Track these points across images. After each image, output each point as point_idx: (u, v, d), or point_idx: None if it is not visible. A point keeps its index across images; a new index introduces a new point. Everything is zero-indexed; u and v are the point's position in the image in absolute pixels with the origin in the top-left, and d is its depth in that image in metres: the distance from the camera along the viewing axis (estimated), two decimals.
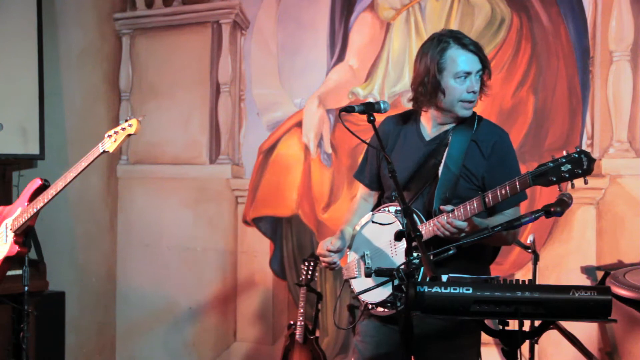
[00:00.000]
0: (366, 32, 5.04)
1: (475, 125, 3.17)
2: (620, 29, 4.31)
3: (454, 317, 2.91)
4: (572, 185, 2.74)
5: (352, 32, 5.10)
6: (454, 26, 4.69)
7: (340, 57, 5.13)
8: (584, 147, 4.38)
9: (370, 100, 3.18)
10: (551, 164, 2.76)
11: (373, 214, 3.25)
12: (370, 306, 3.19)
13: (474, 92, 3.10)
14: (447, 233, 2.93)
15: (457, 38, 3.12)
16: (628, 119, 4.29)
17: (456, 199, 3.04)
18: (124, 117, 4.32)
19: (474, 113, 3.21)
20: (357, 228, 3.29)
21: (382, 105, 3.07)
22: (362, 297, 3.21)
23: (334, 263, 3.24)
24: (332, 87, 5.15)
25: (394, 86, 4.89)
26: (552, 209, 2.85)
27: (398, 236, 2.92)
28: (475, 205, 2.90)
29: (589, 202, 4.34)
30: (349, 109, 3.04)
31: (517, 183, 2.82)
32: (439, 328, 2.98)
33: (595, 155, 4.35)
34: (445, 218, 2.94)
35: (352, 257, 3.29)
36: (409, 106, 3.28)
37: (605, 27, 4.34)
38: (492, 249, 3.26)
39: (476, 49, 3.11)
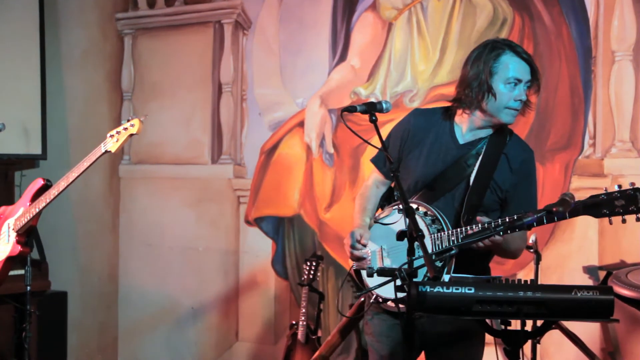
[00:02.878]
0: (368, 32, 5.05)
1: (507, 140, 3.19)
2: (622, 28, 4.31)
3: (457, 317, 2.93)
4: (623, 221, 2.78)
5: (354, 31, 5.10)
6: (455, 25, 4.70)
7: (342, 57, 5.14)
8: (586, 148, 4.38)
9: (372, 100, 3.18)
10: (604, 197, 2.79)
11: (394, 208, 3.24)
12: (380, 299, 3.18)
13: (521, 100, 3.11)
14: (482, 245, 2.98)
15: (512, 46, 3.14)
16: (630, 118, 4.29)
17: (480, 209, 3.07)
18: (126, 117, 4.32)
19: (508, 128, 3.22)
20: (378, 219, 3.29)
21: (384, 105, 3.06)
22: (375, 291, 3.20)
23: (364, 258, 3.21)
24: (334, 87, 5.16)
25: (395, 86, 4.89)
26: (554, 209, 2.86)
27: (400, 236, 2.92)
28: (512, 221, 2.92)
29: None
30: (351, 109, 3.04)
31: (561, 208, 2.79)
32: (444, 327, 3.01)
33: (597, 155, 4.36)
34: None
35: (367, 248, 3.25)
36: (411, 106, 3.30)
37: (608, 27, 4.35)
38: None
39: (530, 59, 3.12)
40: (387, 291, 3.14)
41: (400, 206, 3.13)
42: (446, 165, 3.14)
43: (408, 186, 3.23)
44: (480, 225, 2.95)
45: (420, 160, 3.22)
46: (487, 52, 3.14)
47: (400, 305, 3.06)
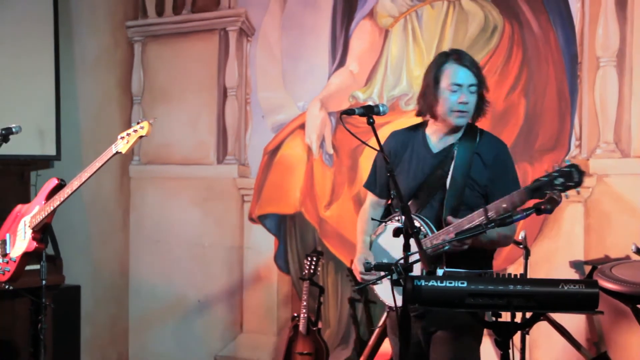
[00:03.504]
0: (366, 39, 5.05)
1: (477, 139, 3.23)
2: (606, 36, 4.31)
3: (450, 310, 2.93)
4: (566, 196, 2.77)
5: (352, 38, 5.11)
6: (448, 32, 4.70)
7: (341, 63, 5.14)
8: (572, 149, 4.38)
9: (370, 103, 3.18)
10: (545, 179, 2.80)
11: (386, 224, 3.28)
12: (389, 309, 3.25)
13: (465, 103, 3.16)
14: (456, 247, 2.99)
15: (455, 55, 3.21)
16: (614, 121, 4.29)
17: (463, 206, 3.10)
18: (136, 120, 4.32)
19: (477, 127, 3.26)
20: (374, 237, 3.32)
21: (381, 108, 3.09)
22: (385, 302, 3.24)
23: (370, 280, 3.20)
24: (334, 91, 5.16)
25: (392, 90, 4.89)
26: (542, 207, 2.86)
27: (396, 233, 2.93)
28: (478, 219, 2.95)
29: (577, 200, 4.34)
30: (349, 112, 3.06)
31: (516, 198, 2.88)
32: (440, 322, 3.03)
33: (583, 155, 4.36)
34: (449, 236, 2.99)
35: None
36: (407, 109, 3.31)
37: (593, 34, 4.35)
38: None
39: (470, 65, 3.18)
40: (390, 301, 3.18)
41: (390, 221, 3.22)
42: (425, 175, 3.19)
43: (405, 197, 3.25)
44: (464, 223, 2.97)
45: (403, 175, 3.26)
46: (434, 63, 3.26)
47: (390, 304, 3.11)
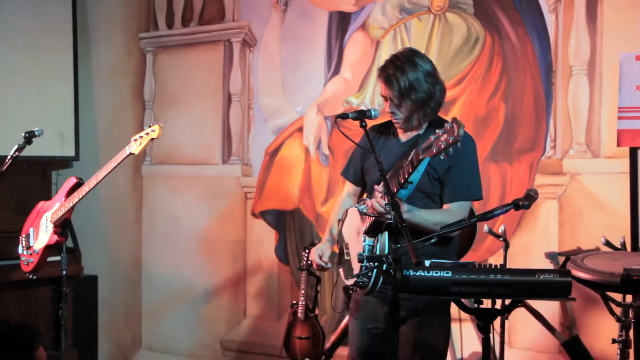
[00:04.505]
0: (359, 49, 5.05)
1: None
2: (578, 46, 4.32)
3: (436, 297, 2.93)
4: (448, 153, 2.72)
5: (346, 48, 5.11)
6: (434, 43, 4.71)
7: (336, 71, 5.14)
8: (547, 150, 4.39)
9: (363, 108, 3.18)
10: (433, 137, 2.75)
11: (358, 203, 3.27)
12: (352, 289, 3.20)
13: (391, 112, 3.17)
14: (379, 210, 2.93)
15: (384, 67, 3.18)
16: (585, 124, 4.30)
17: (421, 193, 3.06)
18: (148, 124, 4.33)
19: (444, 120, 3.20)
20: (340, 225, 3.32)
21: (372, 113, 3.09)
22: (344, 281, 3.24)
23: (327, 269, 3.31)
24: (329, 96, 5.16)
25: None
26: (520, 203, 2.87)
27: (388, 226, 2.93)
28: (393, 185, 2.92)
29: (552, 197, 4.35)
30: (344, 116, 3.07)
31: (412, 156, 2.84)
32: (410, 308, 2.97)
33: (557, 156, 4.37)
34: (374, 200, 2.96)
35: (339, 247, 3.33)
36: None
37: (566, 45, 4.36)
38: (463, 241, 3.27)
39: (385, 80, 3.14)
40: (349, 280, 3.18)
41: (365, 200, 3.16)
42: (392, 163, 3.14)
43: (371, 185, 3.26)
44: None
45: (374, 160, 3.21)
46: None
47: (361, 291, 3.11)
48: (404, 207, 2.97)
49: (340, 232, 3.32)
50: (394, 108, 3.16)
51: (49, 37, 5.96)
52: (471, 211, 3.33)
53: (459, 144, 2.70)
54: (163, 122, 4.32)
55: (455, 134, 2.67)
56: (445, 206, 3.14)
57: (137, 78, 6.02)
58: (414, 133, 3.22)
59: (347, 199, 3.43)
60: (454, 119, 2.71)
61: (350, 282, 3.14)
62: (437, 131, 2.75)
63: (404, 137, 3.25)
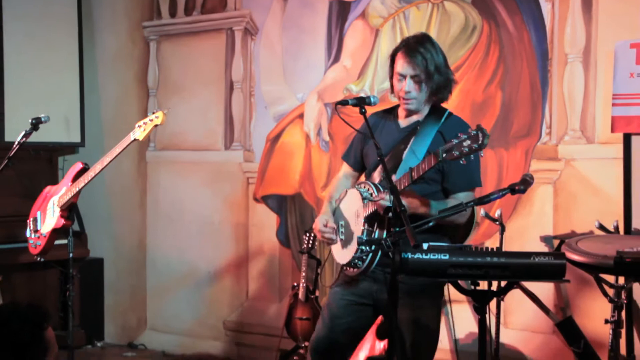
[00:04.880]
0: (358, 37, 5.04)
1: (443, 119, 3.16)
2: (574, 35, 4.31)
3: (429, 279, 2.93)
4: (469, 159, 2.73)
5: (346, 37, 5.10)
6: (433, 31, 4.69)
7: (336, 58, 5.13)
8: (543, 136, 4.39)
9: (362, 95, 3.18)
10: (455, 141, 2.76)
11: (347, 190, 3.26)
12: (344, 268, 3.20)
13: (406, 91, 3.12)
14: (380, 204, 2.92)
15: (408, 44, 3.15)
16: (580, 111, 4.30)
17: (420, 180, 3.02)
18: (152, 110, 4.33)
19: (444, 108, 3.21)
20: (337, 202, 3.31)
21: (372, 99, 3.08)
22: (336, 259, 3.23)
23: (332, 239, 3.24)
24: (329, 84, 5.15)
25: (382, 83, 4.88)
26: (516, 187, 2.87)
27: (386, 210, 2.93)
28: (405, 179, 2.92)
29: (547, 182, 4.36)
30: (344, 103, 3.06)
31: (432, 156, 2.84)
32: (404, 290, 2.93)
33: (552, 142, 4.37)
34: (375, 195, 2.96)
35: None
36: (395, 100, 3.28)
37: (562, 33, 4.35)
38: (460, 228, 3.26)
39: (415, 59, 3.10)
40: (342, 259, 3.18)
41: (368, 184, 3.16)
42: (390, 148, 3.14)
43: (370, 170, 3.26)
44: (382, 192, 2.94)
45: (373, 146, 3.19)
46: (395, 48, 3.22)
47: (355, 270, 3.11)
48: (422, 204, 2.99)
49: (334, 212, 3.31)
50: (412, 87, 3.12)
51: (54, 26, 5.96)
52: None
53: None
54: (167, 109, 4.32)
55: (480, 142, 2.71)
56: (451, 196, 3.14)
57: (141, 66, 6.01)
58: (414, 119, 3.22)
59: (344, 180, 3.43)
60: (479, 127, 2.73)
61: (344, 261, 3.14)
62: (460, 135, 2.77)
63: (404, 122, 3.25)
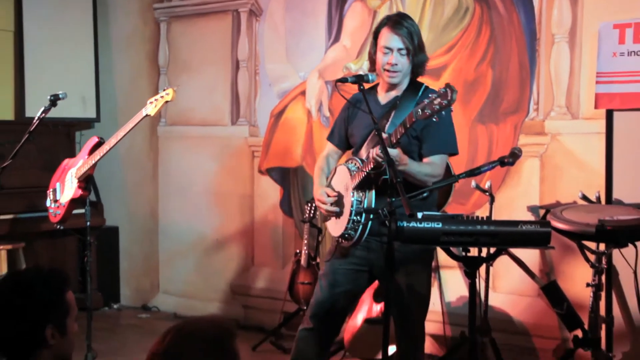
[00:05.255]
0: (357, 18, 5.02)
1: (420, 93, 3.16)
2: (560, 16, 4.29)
3: (421, 247, 2.95)
4: (441, 116, 2.73)
5: (345, 18, 5.07)
6: (427, 13, 4.67)
7: (336, 39, 5.11)
8: (531, 112, 4.39)
9: (360, 73, 3.17)
10: (427, 100, 2.76)
11: (336, 167, 3.26)
12: (338, 240, 3.21)
13: (393, 64, 3.11)
14: (378, 160, 2.90)
15: (393, 20, 3.14)
16: (566, 89, 4.29)
17: (397, 146, 3.00)
18: (162, 88, 4.33)
19: (421, 83, 3.21)
20: (328, 181, 3.30)
21: (369, 77, 3.07)
22: (331, 232, 3.24)
23: (336, 211, 3.19)
24: (330, 62, 5.14)
25: None
26: (505, 160, 2.89)
27: (383, 181, 2.94)
28: (386, 142, 2.89)
29: (534, 155, 4.36)
30: (343, 80, 3.05)
31: (407, 118, 2.84)
32: (396, 258, 2.94)
33: (539, 117, 4.37)
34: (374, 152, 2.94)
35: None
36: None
37: (549, 15, 4.33)
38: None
39: (403, 32, 3.10)
40: (336, 232, 3.18)
41: (355, 160, 3.15)
42: (373, 125, 3.09)
43: (357, 147, 3.25)
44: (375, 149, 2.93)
45: (358, 126, 3.24)
46: (378, 24, 3.20)
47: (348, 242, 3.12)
48: (406, 158, 2.98)
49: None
50: (399, 60, 3.12)
51: (71, 9, 5.96)
52: (447, 166, 3.34)
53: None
54: (176, 86, 4.32)
55: (449, 97, 2.69)
56: (425, 159, 3.13)
57: (152, 45, 5.99)
58: (393, 95, 3.21)
59: (330, 159, 3.40)
60: (448, 85, 2.71)
61: (337, 233, 3.15)
62: (430, 95, 2.76)
63: (383, 99, 3.24)
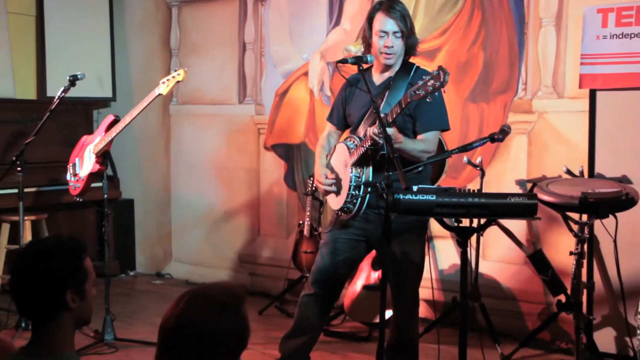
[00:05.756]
0: (356, 3, 4.98)
1: (412, 73, 3.15)
2: (547, 1, 4.26)
3: (416, 218, 2.94)
4: (434, 96, 2.72)
5: (346, 3, 5.03)
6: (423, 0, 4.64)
7: (337, 22, 5.08)
8: (519, 91, 4.37)
9: (360, 54, 3.15)
10: (421, 82, 2.75)
11: (336, 146, 3.26)
12: (338, 213, 3.21)
13: (389, 46, 3.09)
14: (375, 139, 2.90)
15: (387, 5, 3.12)
16: (552, 70, 4.27)
17: (393, 125, 3.00)
18: (174, 68, 4.31)
19: (413, 64, 3.20)
20: (328, 158, 3.30)
21: (368, 58, 3.07)
22: (331, 206, 3.23)
23: (333, 190, 3.21)
24: (331, 45, 5.11)
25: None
26: (495, 136, 2.88)
27: (381, 157, 2.93)
28: (384, 122, 2.88)
29: (522, 132, 4.35)
30: (343, 61, 3.04)
31: (402, 99, 2.84)
32: (394, 228, 2.93)
33: (527, 97, 4.35)
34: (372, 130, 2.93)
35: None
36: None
37: (537, 0, 4.29)
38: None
39: (397, 16, 3.08)
40: (335, 205, 3.19)
41: (354, 138, 3.15)
42: (369, 103, 3.06)
43: (354, 126, 3.24)
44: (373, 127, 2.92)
45: (355, 106, 3.24)
46: (371, 9, 3.18)
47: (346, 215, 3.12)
48: (401, 137, 2.97)
49: (327, 166, 3.31)
50: (394, 42, 3.10)
51: None
52: (440, 142, 3.33)
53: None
54: (187, 67, 4.30)
55: (442, 79, 2.69)
56: (419, 136, 3.13)
57: (164, 29, 5.95)
58: (386, 76, 3.20)
59: (330, 138, 3.41)
60: (440, 67, 2.71)
61: (337, 207, 3.15)
62: (424, 77, 2.75)
63: (378, 80, 3.23)
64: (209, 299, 1.62)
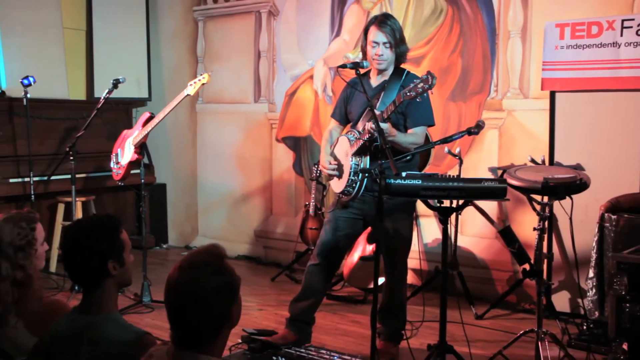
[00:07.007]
0: (354, 17, 4.95)
1: (403, 77, 3.14)
2: (515, 16, 4.23)
3: (409, 199, 2.93)
4: (423, 97, 2.72)
5: (345, 17, 5.00)
6: (410, 13, 4.61)
7: (338, 33, 5.05)
8: (492, 92, 4.34)
9: (357, 60, 3.13)
10: (412, 85, 2.74)
11: (339, 138, 3.24)
12: (339, 196, 3.20)
13: (380, 55, 3.08)
14: (372, 132, 2.89)
15: (379, 20, 3.10)
16: (519, 74, 4.25)
17: (388, 121, 2.98)
18: (200, 73, 4.29)
19: (404, 69, 3.17)
20: (332, 148, 3.29)
21: (365, 64, 3.06)
22: (333, 189, 3.22)
23: (336, 174, 3.21)
24: (332, 53, 5.08)
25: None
26: (472, 130, 2.86)
27: (375, 148, 2.92)
28: (379, 119, 2.88)
29: (494, 127, 4.33)
30: (343, 67, 3.03)
31: (396, 99, 2.84)
32: (386, 207, 2.94)
33: (498, 97, 4.33)
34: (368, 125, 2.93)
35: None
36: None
37: (506, 15, 4.26)
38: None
39: (385, 29, 3.06)
40: (337, 188, 3.18)
41: (354, 131, 3.13)
42: (366, 103, 3.05)
43: (354, 122, 3.23)
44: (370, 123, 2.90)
45: (355, 105, 3.22)
46: (365, 26, 3.16)
47: (347, 197, 3.10)
48: (394, 131, 2.97)
49: (331, 155, 3.30)
50: (384, 51, 3.09)
51: (128, 9, 5.91)
52: (426, 136, 3.31)
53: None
54: (211, 72, 4.29)
55: (430, 82, 2.70)
56: (410, 130, 3.12)
57: (191, 40, 5.93)
58: (382, 79, 3.19)
59: (333, 132, 3.39)
60: (429, 72, 2.72)
61: (339, 190, 3.15)
62: (415, 80, 2.75)
63: (374, 82, 3.22)
64: (196, 267, 1.61)
